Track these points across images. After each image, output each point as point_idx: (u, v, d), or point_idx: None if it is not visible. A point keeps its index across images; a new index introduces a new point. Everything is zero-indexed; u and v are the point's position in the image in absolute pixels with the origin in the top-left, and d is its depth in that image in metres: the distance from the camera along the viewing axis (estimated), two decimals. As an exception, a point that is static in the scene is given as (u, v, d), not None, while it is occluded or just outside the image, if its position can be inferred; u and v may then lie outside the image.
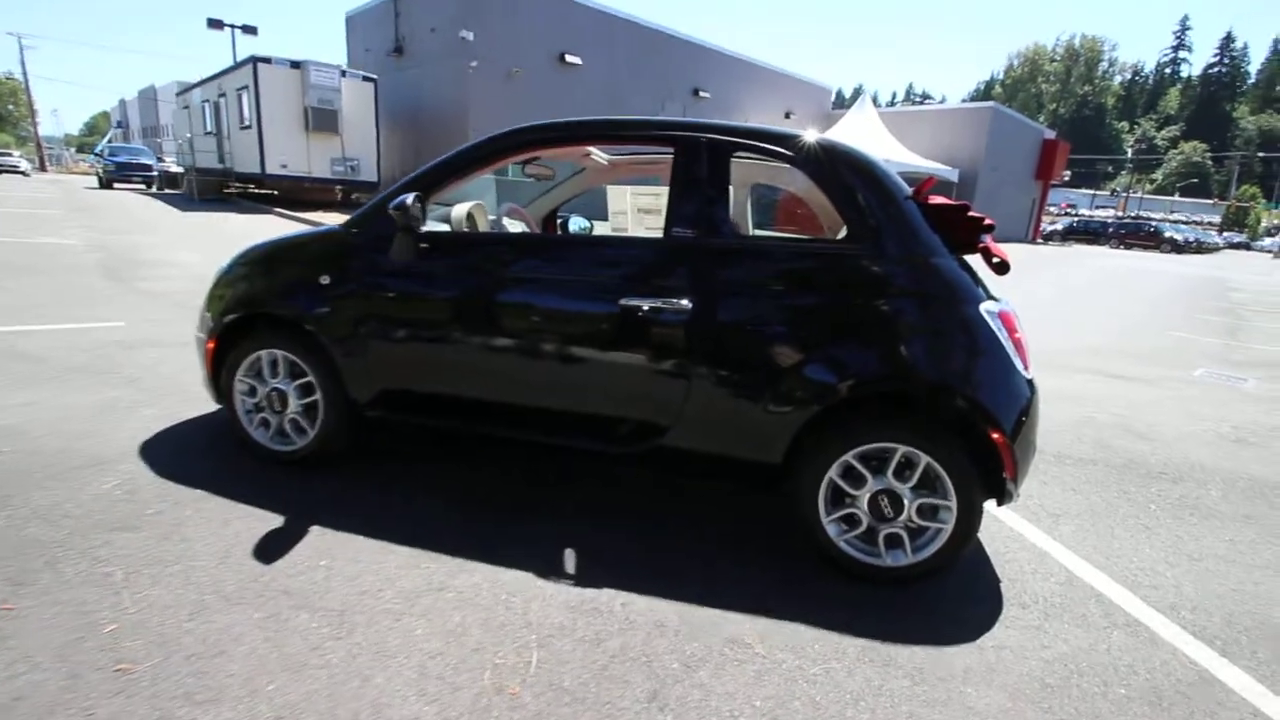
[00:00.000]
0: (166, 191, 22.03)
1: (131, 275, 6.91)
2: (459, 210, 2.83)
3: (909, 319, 2.11)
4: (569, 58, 20.57)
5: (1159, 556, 2.65)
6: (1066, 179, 41.98)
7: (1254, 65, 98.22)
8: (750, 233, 3.66)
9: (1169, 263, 26.33)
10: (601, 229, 6.55)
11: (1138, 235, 37.04)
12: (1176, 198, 73.99)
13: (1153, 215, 55.11)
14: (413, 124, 21.22)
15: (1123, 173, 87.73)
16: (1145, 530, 2.90)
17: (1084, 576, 2.44)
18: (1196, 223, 57.89)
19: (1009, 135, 30.52)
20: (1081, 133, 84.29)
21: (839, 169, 2.23)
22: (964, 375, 2.09)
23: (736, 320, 2.19)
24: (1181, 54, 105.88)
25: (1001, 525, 2.78)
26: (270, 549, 2.14)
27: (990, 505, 2.41)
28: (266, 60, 17.12)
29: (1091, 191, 74.65)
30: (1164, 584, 2.44)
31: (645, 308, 2.22)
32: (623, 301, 2.24)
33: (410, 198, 2.26)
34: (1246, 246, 50.74)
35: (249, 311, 2.65)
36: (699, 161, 2.28)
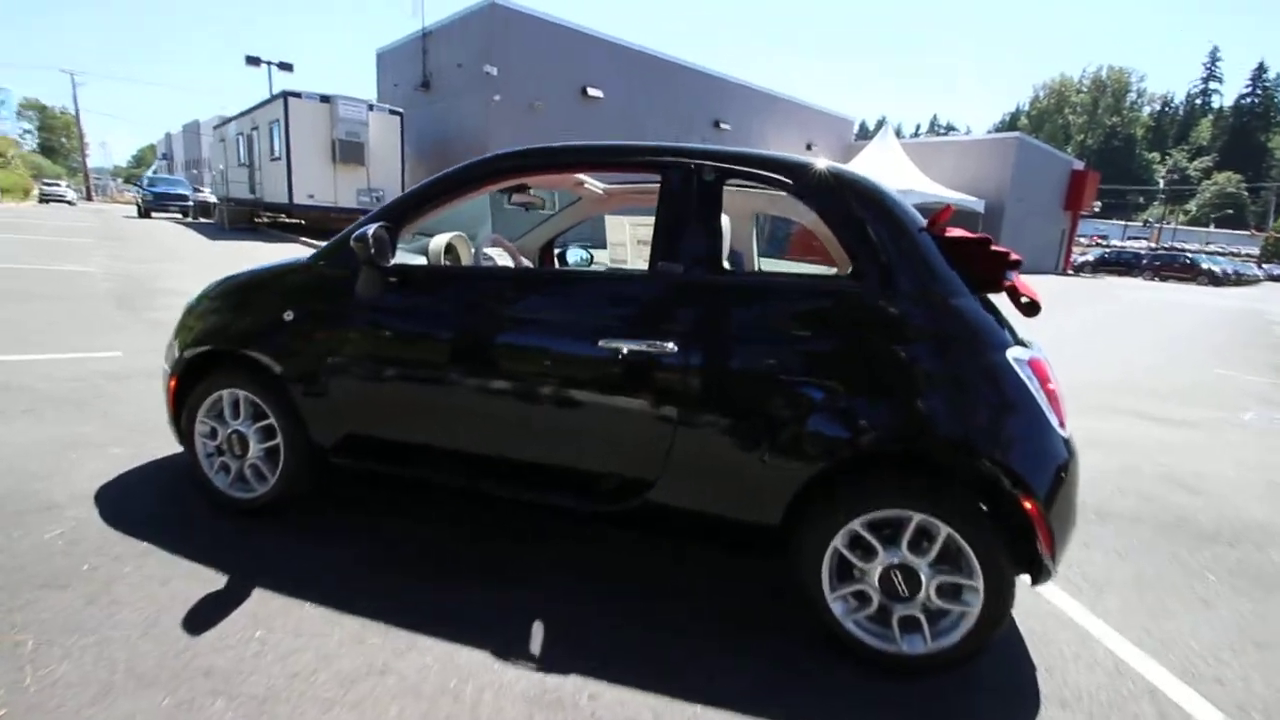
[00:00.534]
0: (201, 221, 22.65)
1: (144, 304, 6.90)
2: (437, 242, 2.66)
3: (924, 367, 1.84)
4: (591, 91, 20.84)
5: (1221, 640, 2.30)
6: (1096, 210, 41.14)
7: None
8: (756, 265, 3.43)
9: (1206, 295, 25.43)
10: (603, 259, 6.37)
11: (1173, 266, 35.94)
12: (1212, 229, 72.18)
13: (1187, 246, 53.70)
14: (438, 155, 21.59)
15: (1155, 203, 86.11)
16: (1203, 605, 2.55)
17: (1135, 665, 2.10)
18: (1234, 254, 56.27)
19: (1036, 166, 30.06)
20: (1111, 164, 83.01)
21: (842, 197, 2.00)
22: (989, 433, 1.80)
23: (727, 365, 1.95)
24: (1212, 85, 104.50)
25: (1038, 598, 2.45)
26: (203, 617, 1.92)
27: (1024, 582, 2.10)
28: (297, 95, 17.61)
29: (1123, 222, 73.21)
30: (1229, 677, 2.09)
31: (625, 350, 1.99)
32: (602, 343, 2.01)
33: (372, 229, 2.08)
34: (1288, 279, 49.07)
35: (211, 347, 2.48)
36: (687, 190, 2.07)
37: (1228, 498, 3.74)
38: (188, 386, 2.56)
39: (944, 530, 1.80)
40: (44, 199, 31.64)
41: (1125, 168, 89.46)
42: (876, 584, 1.88)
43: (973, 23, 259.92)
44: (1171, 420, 5.50)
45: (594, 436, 2.10)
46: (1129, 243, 56.61)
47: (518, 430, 2.18)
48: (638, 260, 6.55)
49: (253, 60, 26.13)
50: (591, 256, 3.99)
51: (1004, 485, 1.77)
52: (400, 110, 19.48)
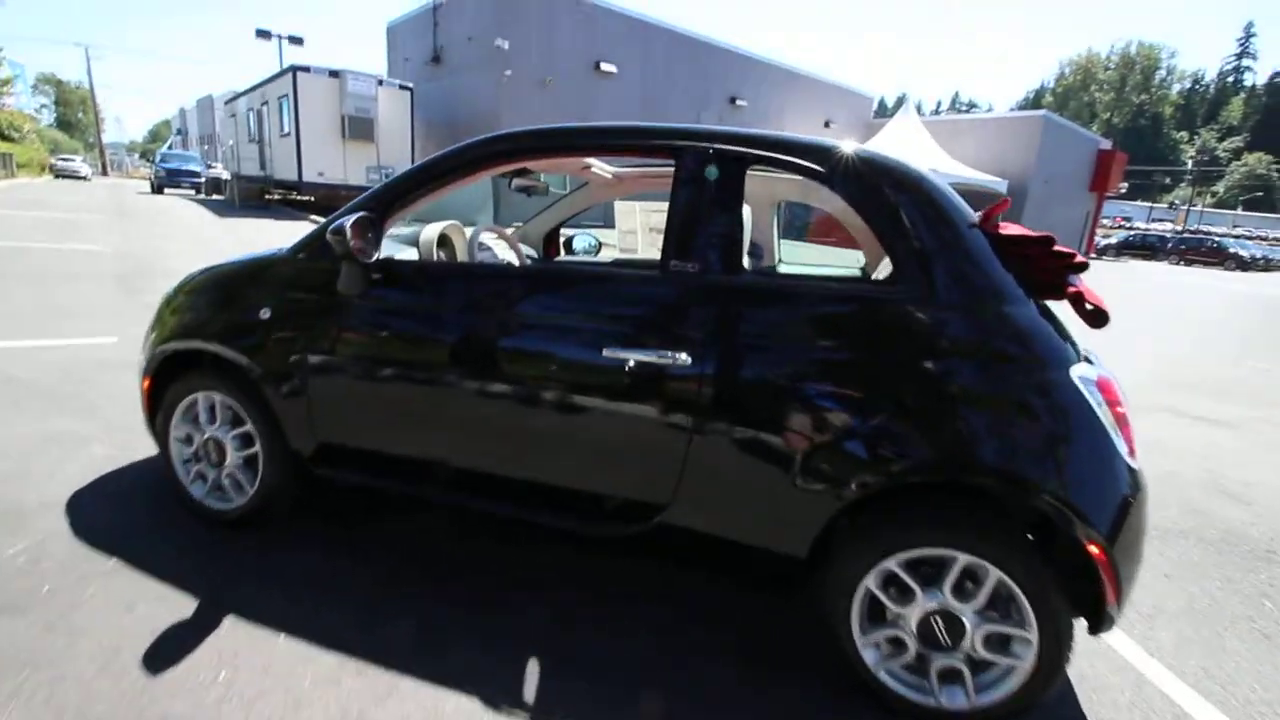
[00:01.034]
0: (213, 198, 22.52)
1: (146, 286, 6.75)
2: (429, 232, 2.43)
3: (974, 386, 1.61)
4: (604, 66, 20.32)
5: (1290, 685, 2.07)
6: (1123, 191, 39.99)
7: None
8: (777, 256, 3.18)
9: (1234, 281, 24.69)
10: (612, 241, 6.07)
11: (1199, 250, 34.91)
12: (1240, 211, 70.17)
13: (1214, 229, 52.21)
14: (449, 132, 21.22)
15: (1181, 185, 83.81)
16: (1264, 641, 2.32)
17: (1196, 715, 1.89)
18: (1262, 238, 54.70)
19: (1062, 145, 29.11)
20: (1137, 143, 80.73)
21: (880, 189, 1.75)
22: (1049, 465, 1.57)
23: (748, 380, 1.72)
24: (1245, 62, 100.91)
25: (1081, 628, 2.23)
26: (165, 651, 1.74)
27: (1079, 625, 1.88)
28: (305, 69, 17.26)
29: (1148, 204, 71.34)
30: (1304, 731, 1.87)
31: (633, 362, 1.77)
32: (607, 353, 1.79)
33: (350, 221, 1.86)
34: (1319, 264, 47.69)
35: (184, 346, 2.29)
36: (705, 177, 1.83)
37: (1277, 509, 3.49)
38: (163, 386, 2.38)
39: (994, 574, 1.57)
40: (57, 174, 31.56)
41: (1152, 147, 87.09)
42: (914, 630, 1.67)
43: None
44: (1208, 419, 5.21)
45: (597, 454, 1.89)
46: (1153, 225, 55.18)
47: (513, 445, 1.98)
48: (650, 249, 6.26)
49: (263, 34, 25.78)
50: (599, 244, 3.76)
51: (1066, 526, 1.54)
52: (410, 85, 19.07)
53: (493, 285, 2.04)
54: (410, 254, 2.45)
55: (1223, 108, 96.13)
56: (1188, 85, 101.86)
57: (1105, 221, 46.48)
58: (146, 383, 2.39)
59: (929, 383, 1.62)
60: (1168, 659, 2.15)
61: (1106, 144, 33.55)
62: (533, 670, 1.80)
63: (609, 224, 7.55)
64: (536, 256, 3.42)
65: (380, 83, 18.29)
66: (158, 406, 2.40)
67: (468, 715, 1.62)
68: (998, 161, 26.77)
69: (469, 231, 2.56)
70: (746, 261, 1.96)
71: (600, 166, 2.96)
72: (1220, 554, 2.95)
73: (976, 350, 1.63)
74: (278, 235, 12.81)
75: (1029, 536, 1.60)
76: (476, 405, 1.96)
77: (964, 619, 1.62)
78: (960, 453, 1.59)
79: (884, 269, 2.65)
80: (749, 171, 1.85)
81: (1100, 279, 19.15)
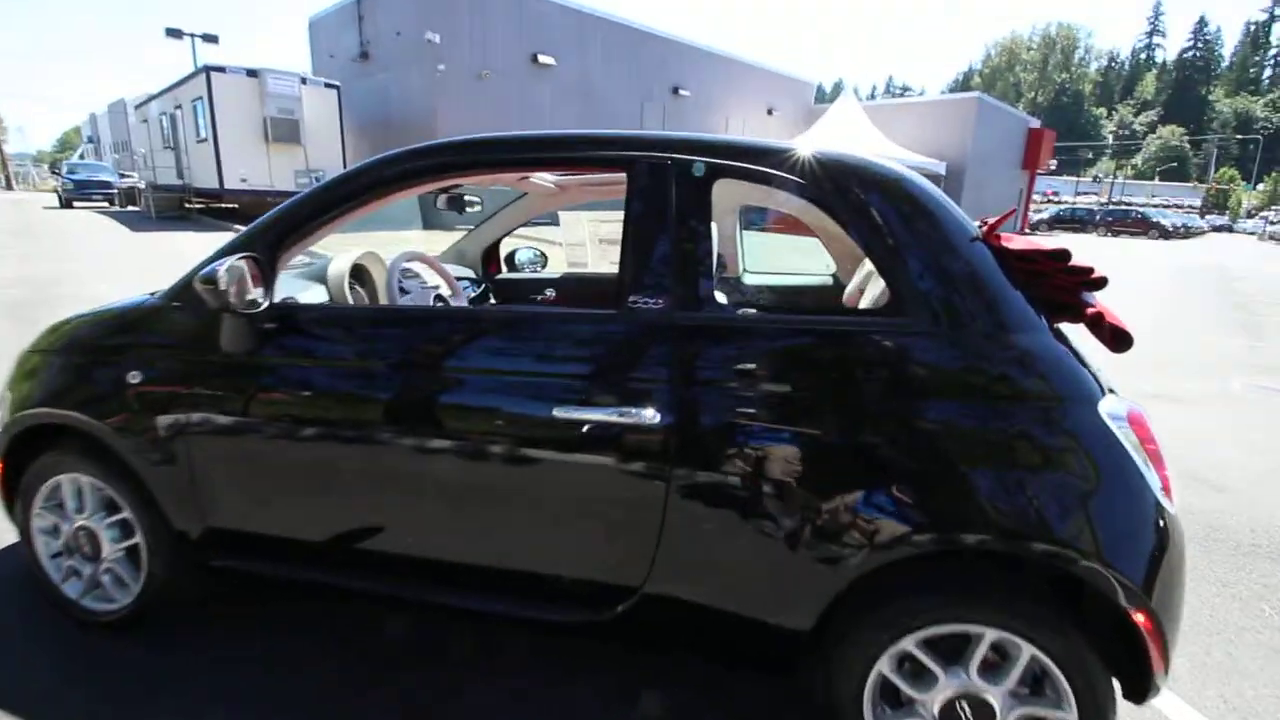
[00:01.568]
0: (128, 209, 21.00)
1: (42, 317, 6.06)
2: (340, 264, 2.07)
3: (990, 433, 1.36)
4: (542, 58, 19.74)
5: (1315, 711, 1.94)
6: (1053, 168, 41.61)
7: (1227, 49, 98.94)
8: (741, 268, 2.91)
9: (1161, 251, 25.89)
10: (558, 255, 5.70)
11: (1125, 222, 36.70)
12: (1157, 182, 74.06)
13: (1134, 200, 54.92)
14: (381, 131, 20.29)
15: (1103, 158, 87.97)
16: (1276, 656, 2.19)
17: (1231, 764, 1.72)
18: (1178, 206, 57.89)
19: (995, 125, 29.93)
20: (1060, 120, 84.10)
21: (869, 204, 1.49)
22: (1083, 523, 1.33)
23: (727, 438, 1.44)
24: (1156, 39, 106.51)
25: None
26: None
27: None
28: (220, 69, 16.17)
29: (1074, 178, 74.52)
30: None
31: (589, 423, 1.46)
32: (558, 413, 1.48)
33: (226, 265, 1.49)
34: (1229, 229, 50.77)
35: (38, 420, 1.87)
36: (664, 195, 1.53)
37: (1254, 494, 3.46)
38: (20, 467, 1.95)
39: (1026, 650, 1.34)
40: None
41: (1074, 123, 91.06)
42: (936, 716, 1.43)
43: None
44: (1168, 396, 5.24)
45: (553, 533, 1.58)
46: (1079, 198, 57.68)
47: (449, 525, 1.65)
48: (601, 263, 5.88)
49: (174, 33, 24.09)
50: (545, 257, 3.42)
51: (1106, 591, 1.31)
52: (337, 84, 18.13)
53: (417, 331, 1.69)
54: (318, 292, 2.08)
55: (1137, 83, 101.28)
56: (1104, 63, 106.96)
57: (1036, 197, 48.28)
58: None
59: (940, 432, 1.37)
60: (1184, 689, 1.99)
61: (1035, 122, 34.74)
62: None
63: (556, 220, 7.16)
64: (476, 276, 3.07)
65: (304, 81, 17.33)
66: (15, 492, 1.97)
67: None
68: (935, 144, 27.31)
69: (390, 259, 2.19)
70: (720, 297, 1.68)
71: (540, 176, 2.63)
72: (1208, 553, 2.86)
73: (993, 389, 1.39)
74: (198, 250, 11.93)
75: (1067, 608, 1.37)
76: (400, 480, 1.63)
77: (993, 703, 1.38)
78: (981, 512, 1.35)
79: (860, 272, 2.42)
80: (716, 183, 1.57)
81: (1039, 255, 19.66)
